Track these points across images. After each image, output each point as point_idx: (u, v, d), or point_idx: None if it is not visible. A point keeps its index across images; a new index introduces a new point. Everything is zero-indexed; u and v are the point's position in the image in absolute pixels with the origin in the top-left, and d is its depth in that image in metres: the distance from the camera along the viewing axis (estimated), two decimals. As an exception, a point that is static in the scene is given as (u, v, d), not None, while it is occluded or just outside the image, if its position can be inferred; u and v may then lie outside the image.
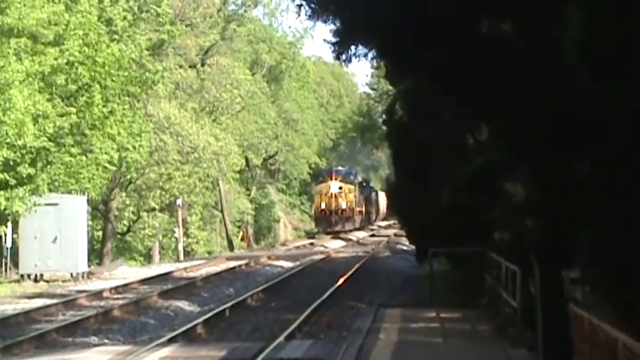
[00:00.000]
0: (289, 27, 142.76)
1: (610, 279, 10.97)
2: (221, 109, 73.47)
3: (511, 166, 14.14)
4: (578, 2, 8.06)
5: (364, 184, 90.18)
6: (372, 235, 74.96)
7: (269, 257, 45.43)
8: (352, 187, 79.32)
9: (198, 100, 70.19)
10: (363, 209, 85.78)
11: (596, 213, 10.92)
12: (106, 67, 36.16)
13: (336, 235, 73.60)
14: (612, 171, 10.10)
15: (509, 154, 13.00)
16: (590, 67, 8.11)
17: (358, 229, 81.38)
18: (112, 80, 36.77)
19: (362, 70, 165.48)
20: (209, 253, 66.66)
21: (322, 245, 56.83)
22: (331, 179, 78.78)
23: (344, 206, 77.34)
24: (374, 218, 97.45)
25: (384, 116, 47.32)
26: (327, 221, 77.59)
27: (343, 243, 61.06)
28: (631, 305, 9.81)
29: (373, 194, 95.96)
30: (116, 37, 41.65)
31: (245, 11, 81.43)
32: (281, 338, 18.18)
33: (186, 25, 67.46)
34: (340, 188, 77.81)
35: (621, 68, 8.09)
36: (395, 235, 65.70)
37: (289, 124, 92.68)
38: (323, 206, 77.61)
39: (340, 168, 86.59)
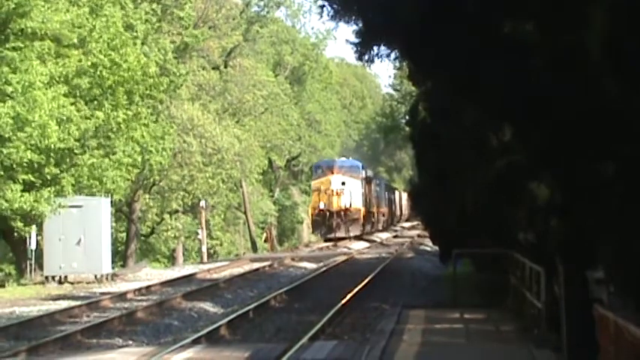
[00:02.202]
0: (312, 28, 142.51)
1: (636, 279, 10.92)
2: (244, 110, 73.64)
3: (535, 166, 14.09)
4: (602, 1, 8.03)
5: (376, 181, 78.86)
6: (396, 237, 73.16)
7: (292, 259, 45.38)
8: (358, 182, 66.91)
9: (221, 102, 70.35)
10: (375, 210, 74.56)
11: (621, 213, 10.87)
12: (130, 72, 36.33)
13: (335, 242, 61.79)
14: (637, 171, 10.06)
15: (533, 155, 12.95)
16: (614, 65, 8.07)
17: (366, 235, 69.15)
18: (137, 84, 36.94)
19: (385, 71, 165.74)
20: (232, 254, 66.77)
21: (345, 247, 56.58)
22: (332, 173, 66.46)
23: (348, 206, 65.09)
24: (389, 222, 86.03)
25: (407, 117, 47.38)
26: (327, 225, 65.12)
27: (367, 244, 60.76)
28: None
29: (387, 193, 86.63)
30: (138, 40, 41.73)
31: (268, 12, 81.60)
32: (304, 339, 18.18)
33: (209, 27, 67.64)
34: (343, 184, 65.58)
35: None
36: (418, 236, 65.01)
37: (312, 125, 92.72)
38: (322, 206, 65.21)
39: (343, 159, 74.44)
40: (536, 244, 17.14)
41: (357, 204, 65.69)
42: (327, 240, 63.94)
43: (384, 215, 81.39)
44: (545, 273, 16.03)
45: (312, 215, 68.30)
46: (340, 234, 64.46)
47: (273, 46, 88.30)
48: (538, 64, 10.51)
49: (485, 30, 10.82)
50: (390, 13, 11.55)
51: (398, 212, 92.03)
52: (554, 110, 10.76)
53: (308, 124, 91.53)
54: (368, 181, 71.46)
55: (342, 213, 64.87)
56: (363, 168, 70.35)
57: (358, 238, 65.47)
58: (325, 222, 65.31)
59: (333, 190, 65.28)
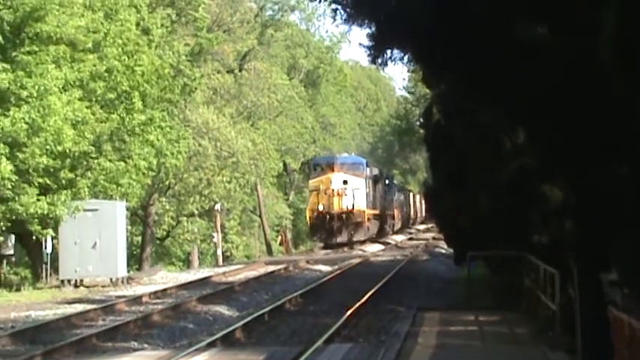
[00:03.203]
0: (326, 32, 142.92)
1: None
2: (259, 113, 73.75)
3: (548, 169, 14.08)
4: (614, 4, 8.03)
5: (385, 180, 71.47)
6: (411, 239, 71.78)
7: (307, 261, 45.32)
8: (362, 181, 60.07)
9: (236, 106, 70.46)
10: (383, 212, 67.60)
11: (634, 215, 10.86)
12: (145, 76, 36.47)
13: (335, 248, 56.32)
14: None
15: (546, 157, 12.94)
16: (625, 66, 8.07)
17: (373, 241, 63.39)
18: (151, 88, 37.06)
19: (399, 74, 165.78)
20: (248, 257, 66.80)
21: (361, 249, 56.33)
22: (332, 171, 59.29)
23: (350, 208, 58.27)
24: (403, 224, 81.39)
25: (421, 120, 47.35)
26: (327, 229, 58.41)
27: (382, 247, 60.42)
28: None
29: (400, 194, 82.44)
30: (153, 44, 41.89)
31: (282, 16, 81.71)
32: (320, 342, 18.17)
33: (224, 31, 67.79)
34: (345, 183, 58.62)
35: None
36: (433, 238, 64.02)
37: (327, 128, 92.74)
38: (321, 208, 58.32)
39: (345, 155, 66.84)
40: (551, 247, 17.14)
41: (361, 205, 58.96)
42: (326, 246, 58.04)
43: (393, 218, 74.99)
44: (560, 275, 16.00)
45: (310, 218, 60.69)
46: (342, 239, 58.14)
47: (288, 50, 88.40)
48: (550, 66, 10.51)
49: (496, 33, 10.82)
50: (402, 17, 11.58)
51: (413, 214, 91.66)
52: (566, 112, 10.75)
53: (322, 127, 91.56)
54: (375, 180, 65.05)
55: (344, 215, 58.16)
56: (367, 165, 63.46)
57: (372, 240, 63.26)
58: (325, 226, 58.36)
59: (333, 190, 58.34)
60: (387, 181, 72.17)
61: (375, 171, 67.34)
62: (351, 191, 58.30)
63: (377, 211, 64.58)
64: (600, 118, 10.40)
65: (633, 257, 11.41)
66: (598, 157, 11.12)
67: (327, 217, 57.91)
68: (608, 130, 10.38)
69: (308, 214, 61.65)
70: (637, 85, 8.08)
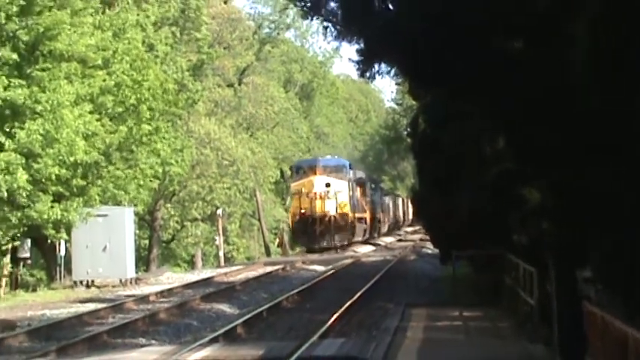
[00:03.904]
0: (319, 48, 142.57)
1: (621, 278, 10.91)
2: (257, 124, 73.87)
3: (527, 173, 14.09)
4: (585, 19, 8.07)
5: (371, 184, 66.86)
6: (400, 240, 71.29)
7: (303, 262, 45.20)
8: (345, 183, 55.37)
9: (236, 117, 70.54)
10: (367, 216, 61.63)
11: (609, 216, 10.86)
12: (151, 90, 36.51)
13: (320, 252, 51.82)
14: (623, 177, 10.05)
15: (525, 162, 12.95)
16: (596, 75, 8.10)
17: (364, 243, 60.64)
18: (157, 101, 37.11)
19: (388, 87, 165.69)
20: (248, 259, 66.71)
21: (353, 250, 56.12)
22: (315, 173, 54.38)
23: (333, 212, 53.64)
24: (391, 227, 77.45)
25: (408, 129, 47.25)
26: (309, 233, 53.76)
27: (372, 248, 60.08)
28: (637, 302, 9.77)
29: (387, 198, 79.11)
30: (158, 60, 41.92)
31: (278, 34, 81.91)
32: (315, 337, 18.15)
33: (224, 48, 67.91)
34: (328, 186, 53.84)
35: (627, 78, 8.07)
36: (420, 239, 63.51)
37: (320, 137, 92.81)
38: (303, 212, 53.91)
39: (329, 157, 61.99)
40: (529, 246, 17.14)
41: (345, 208, 54.32)
42: (309, 251, 53.36)
43: (380, 221, 69.99)
44: (538, 273, 16.02)
45: (292, 222, 56.69)
46: (325, 244, 53.54)
47: (284, 65, 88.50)
48: (527, 78, 10.53)
49: (477, 47, 10.83)
50: (388, 34, 11.60)
51: (401, 217, 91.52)
52: (543, 120, 10.76)
53: (317, 136, 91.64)
54: (360, 183, 60.71)
55: (327, 219, 53.45)
56: (350, 167, 58.41)
57: (364, 242, 61.79)
58: (307, 230, 53.70)
59: (316, 194, 53.37)
60: (372, 185, 68.06)
61: (360, 174, 63.58)
62: (333, 194, 53.91)
63: (362, 215, 59.77)
64: (576, 125, 10.40)
65: (606, 256, 11.41)
66: (574, 161, 11.12)
67: (310, 220, 53.35)
68: (583, 136, 10.38)
69: (290, 218, 57.87)
70: (608, 93, 8.11)
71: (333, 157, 62.57)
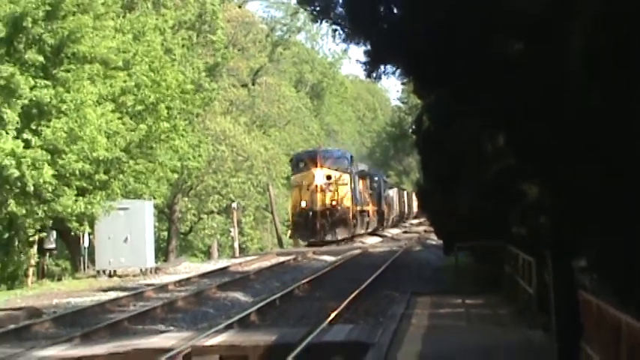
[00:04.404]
0: (329, 49, 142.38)
1: (614, 268, 10.92)
2: (270, 122, 73.94)
3: (525, 170, 14.09)
4: (580, 26, 8.07)
5: (375, 177, 63.39)
6: (405, 232, 70.44)
7: (314, 252, 45.07)
8: (347, 176, 51.38)
9: (250, 115, 70.60)
10: (370, 209, 58.63)
11: (602, 210, 10.85)
12: (169, 90, 36.59)
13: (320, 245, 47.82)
14: (617, 174, 10.05)
15: (524, 159, 12.95)
16: (591, 76, 8.10)
17: (371, 234, 58.25)
18: (174, 100, 37.20)
19: (394, 86, 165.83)
20: (261, 249, 66.76)
21: (361, 241, 55.88)
22: (315, 166, 50.52)
23: (334, 204, 50.05)
24: (389, 221, 71.95)
25: (413, 127, 47.09)
26: (309, 227, 50.15)
27: (380, 239, 59.77)
28: (631, 290, 9.78)
29: (391, 192, 74.91)
30: (176, 62, 41.99)
31: (290, 37, 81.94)
32: (325, 324, 18.17)
33: (238, 50, 67.97)
34: (329, 178, 50.19)
35: (620, 79, 8.08)
36: (425, 231, 62.90)
37: (330, 135, 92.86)
38: (303, 205, 49.95)
39: (329, 149, 58.50)
40: (528, 238, 17.13)
41: (346, 201, 50.62)
42: (310, 245, 49.37)
43: (384, 214, 66.43)
44: (536, 263, 16.00)
45: (292, 216, 52.75)
46: (326, 237, 49.90)
47: (295, 66, 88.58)
48: (526, 79, 10.52)
49: (479, 51, 10.83)
50: (393, 37, 11.61)
51: (407, 210, 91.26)
52: (541, 119, 10.76)
53: (326, 134, 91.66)
54: (362, 175, 57.04)
55: (328, 212, 49.86)
56: (352, 160, 54.28)
57: (371, 234, 60.31)
58: (307, 223, 50.04)
59: (316, 186, 49.63)
60: (376, 178, 64.22)
61: (362, 166, 60.26)
62: (335, 187, 50.05)
63: (364, 208, 56.47)
64: (572, 124, 10.39)
65: (600, 247, 11.41)
66: (570, 160, 11.12)
67: (310, 214, 49.70)
68: (579, 135, 10.37)
69: (290, 211, 53.36)
70: (603, 92, 8.11)
71: (334, 149, 59.01)
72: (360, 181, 56.12)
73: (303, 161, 52.41)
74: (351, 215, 51.03)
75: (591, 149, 10.12)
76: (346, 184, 50.85)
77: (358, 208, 53.69)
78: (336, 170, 50.79)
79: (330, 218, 49.77)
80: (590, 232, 11.58)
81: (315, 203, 49.63)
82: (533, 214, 15.24)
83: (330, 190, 49.88)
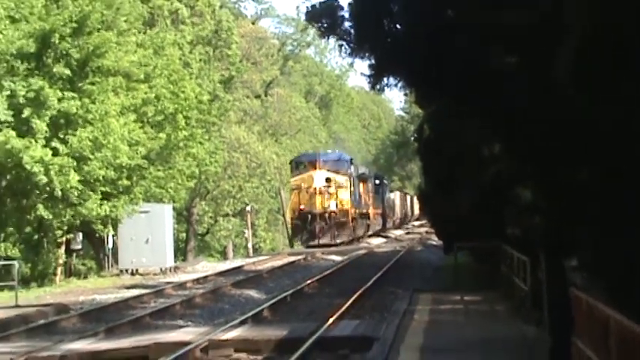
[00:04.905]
0: (336, 63, 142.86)
1: (604, 267, 10.89)
2: (281, 131, 73.99)
3: (522, 172, 14.06)
4: (567, 45, 8.07)
5: (375, 180, 59.88)
6: (408, 233, 70.22)
7: (322, 253, 44.94)
8: (346, 179, 48.23)
9: (262, 124, 70.70)
10: (371, 212, 55.67)
11: (593, 213, 10.82)
12: (187, 101, 36.71)
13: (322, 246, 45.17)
14: (607, 177, 10.02)
15: (519, 164, 12.93)
16: (579, 88, 8.10)
17: (376, 235, 56.35)
18: (192, 110, 37.33)
19: (397, 97, 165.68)
20: (273, 250, 66.71)
21: (366, 242, 55.60)
22: (315, 168, 47.44)
23: (333, 207, 46.78)
24: (390, 223, 68.50)
25: (415, 135, 46.92)
26: (309, 230, 46.84)
27: (384, 240, 59.54)
28: (620, 288, 9.76)
29: (393, 195, 72.58)
30: (193, 75, 42.09)
31: (300, 51, 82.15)
32: (333, 319, 18.17)
33: (252, 63, 68.09)
34: (328, 181, 46.91)
35: (605, 90, 8.07)
36: (426, 232, 62.69)
37: (337, 142, 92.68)
38: (302, 207, 46.82)
39: (329, 152, 55.00)
40: (523, 238, 17.10)
41: (345, 204, 47.43)
42: (309, 247, 46.07)
43: (384, 217, 63.99)
44: (530, 262, 15.96)
45: (291, 219, 49.28)
46: (325, 240, 46.46)
47: (305, 78, 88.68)
48: (520, 90, 10.52)
49: (474, 64, 10.82)
50: (396, 52, 11.61)
51: (410, 213, 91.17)
52: (532, 125, 10.74)
53: (334, 141, 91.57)
54: (363, 178, 53.62)
55: (327, 215, 46.57)
56: (351, 162, 50.99)
57: (376, 235, 59.44)
58: (306, 226, 46.70)
59: (315, 189, 46.40)
60: (377, 182, 61.21)
61: (363, 169, 57.01)
62: (334, 189, 46.78)
63: (364, 210, 53.30)
64: (562, 133, 10.38)
65: (591, 247, 11.38)
66: (563, 164, 11.09)
67: (309, 217, 46.41)
68: (568, 142, 10.35)
69: (289, 214, 49.96)
70: (588, 102, 8.10)
71: (333, 152, 55.46)
72: (361, 184, 53.37)
73: (302, 164, 49.47)
74: (350, 218, 48.16)
75: (587, 153, 10.09)
76: (345, 187, 47.95)
77: (358, 210, 51.03)
78: (335, 173, 47.84)
79: (330, 221, 46.78)
80: (587, 233, 11.54)
81: (314, 206, 46.56)
82: (528, 216, 15.21)
83: (329, 193, 46.90)
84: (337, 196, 46.81)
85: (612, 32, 7.79)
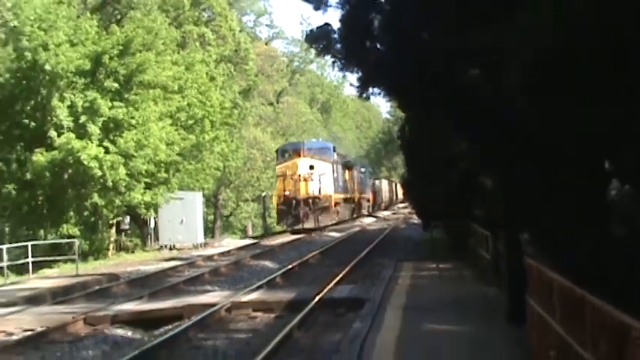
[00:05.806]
0: (334, 75, 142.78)
1: (548, 241, 10.96)
2: (290, 132, 73.95)
3: (482, 167, 14.11)
4: (515, 63, 8.12)
5: (360, 168, 55.19)
6: (394, 214, 70.02)
7: (323, 230, 44.50)
8: (329, 166, 43.55)
9: (275, 126, 70.69)
10: (355, 196, 51.18)
11: (540, 197, 10.87)
12: (213, 108, 36.79)
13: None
14: (550, 171, 10.07)
15: (481, 159, 12.97)
16: (527, 95, 8.15)
17: (368, 215, 53.16)
18: (216, 116, 37.47)
19: (384, 103, 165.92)
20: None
21: (359, 221, 55.48)
22: (299, 156, 42.75)
23: (317, 193, 41.93)
24: (376, 206, 63.72)
25: (399, 134, 46.78)
26: (293, 214, 41.84)
27: (374, 219, 59.30)
28: (560, 256, 9.85)
29: (377, 182, 67.47)
30: (218, 87, 42.09)
31: (304, 66, 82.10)
32: (332, 284, 18.27)
33: (265, 76, 68.08)
34: (311, 168, 42.08)
35: (546, 99, 8.12)
36: (409, 212, 62.80)
37: (336, 141, 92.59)
38: (287, 193, 41.91)
39: (313, 140, 50.08)
40: (486, 218, 17.16)
41: (328, 190, 42.58)
42: (294, 232, 40.64)
43: (368, 201, 59.38)
44: (492, 236, 16.05)
45: (277, 204, 43.60)
46: (309, 224, 41.67)
47: (309, 88, 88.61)
48: (480, 97, 10.56)
49: (443, 77, 10.87)
50: (378, 67, 11.69)
51: (395, 197, 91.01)
52: (491, 129, 10.79)
53: (333, 140, 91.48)
54: (346, 165, 48.63)
55: (310, 201, 41.83)
56: (334, 150, 45.95)
57: (368, 215, 58.17)
58: (291, 211, 41.83)
59: (299, 176, 41.69)
60: (362, 169, 56.44)
61: (349, 158, 52.17)
62: (317, 176, 42.01)
63: (347, 195, 48.24)
64: (513, 135, 10.40)
65: (538, 225, 11.43)
66: (515, 158, 11.12)
67: (294, 202, 41.66)
68: (517, 143, 10.38)
69: (275, 200, 44.27)
70: (536, 108, 8.15)
71: (317, 141, 50.80)
72: (346, 171, 48.95)
73: (287, 152, 44.57)
74: (333, 203, 43.33)
75: (524, 153, 10.15)
76: (328, 174, 43.22)
77: (342, 195, 46.59)
78: (319, 160, 42.86)
79: (313, 206, 42.02)
80: (532, 214, 11.58)
81: (299, 192, 41.79)
82: (490, 199, 15.25)
83: (313, 179, 41.97)
84: (320, 182, 42.20)
85: (558, 54, 7.84)
